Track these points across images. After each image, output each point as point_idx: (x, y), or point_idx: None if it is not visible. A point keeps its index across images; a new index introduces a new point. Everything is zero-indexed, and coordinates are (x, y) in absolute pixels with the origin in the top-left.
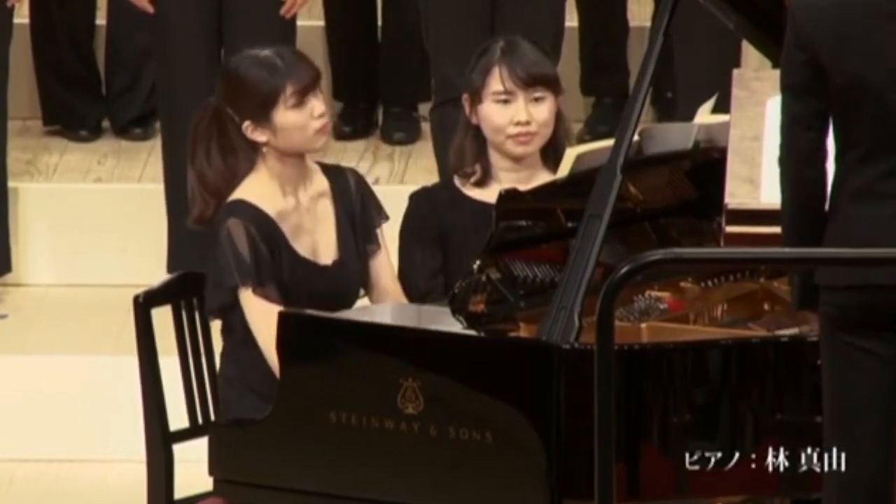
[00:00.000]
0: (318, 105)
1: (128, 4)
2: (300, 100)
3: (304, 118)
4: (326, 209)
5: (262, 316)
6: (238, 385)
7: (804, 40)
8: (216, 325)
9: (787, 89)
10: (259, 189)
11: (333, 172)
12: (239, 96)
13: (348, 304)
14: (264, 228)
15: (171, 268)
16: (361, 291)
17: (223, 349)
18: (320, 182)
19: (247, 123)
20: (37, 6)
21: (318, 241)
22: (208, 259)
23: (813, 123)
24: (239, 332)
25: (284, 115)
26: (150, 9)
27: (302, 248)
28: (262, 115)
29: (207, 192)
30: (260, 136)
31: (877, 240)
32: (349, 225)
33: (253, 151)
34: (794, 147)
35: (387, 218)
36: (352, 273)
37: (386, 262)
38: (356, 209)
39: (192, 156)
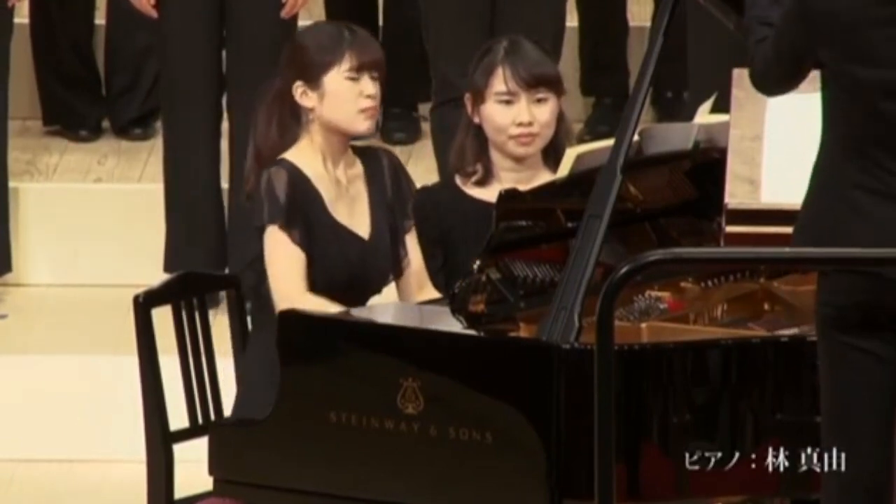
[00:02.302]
0: (370, 86)
1: (127, 4)
2: (356, 74)
3: (353, 92)
4: (360, 191)
5: (280, 251)
6: (261, 382)
7: (809, 24)
8: (216, 325)
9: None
10: (301, 155)
11: (366, 154)
12: (298, 56)
13: (379, 284)
14: (303, 186)
15: (168, 268)
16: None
17: (249, 342)
18: (356, 165)
19: (298, 83)
20: (37, 6)
21: (354, 217)
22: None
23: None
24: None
25: (335, 82)
26: (153, 13)
27: (338, 216)
28: (315, 76)
29: (259, 166)
30: (307, 101)
31: (882, 240)
32: (382, 206)
33: (298, 127)
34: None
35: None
36: (384, 253)
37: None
38: (389, 188)
39: (255, 128)
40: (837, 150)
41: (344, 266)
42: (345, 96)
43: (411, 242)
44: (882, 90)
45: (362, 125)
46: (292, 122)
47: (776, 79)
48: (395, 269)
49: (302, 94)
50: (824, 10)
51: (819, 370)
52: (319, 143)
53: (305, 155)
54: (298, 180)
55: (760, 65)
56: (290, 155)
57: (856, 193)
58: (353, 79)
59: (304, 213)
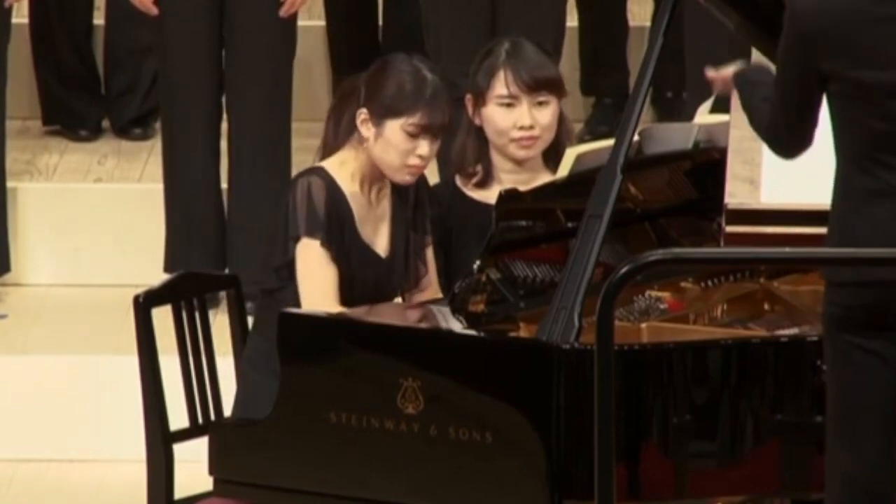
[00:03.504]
0: (426, 147)
1: (127, 3)
2: (417, 132)
3: (407, 146)
4: (386, 209)
5: (318, 268)
6: (261, 382)
7: (806, 39)
8: (216, 325)
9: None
10: (341, 169)
11: None
12: (375, 86)
13: (391, 300)
14: (339, 202)
15: (168, 268)
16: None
17: (250, 345)
18: (386, 183)
19: (364, 110)
20: (36, 6)
21: (377, 235)
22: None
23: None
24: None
25: (395, 131)
26: (153, 10)
27: (364, 235)
28: (381, 115)
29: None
30: (365, 130)
31: (886, 240)
32: (403, 223)
33: (344, 137)
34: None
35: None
36: (400, 271)
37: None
38: (412, 204)
39: (326, 120)
40: (846, 153)
41: (362, 285)
42: (399, 148)
43: (430, 258)
44: (885, 91)
45: (402, 178)
46: (353, 126)
47: (785, 125)
48: (408, 283)
49: (363, 121)
50: (816, 27)
51: (825, 370)
52: (362, 164)
53: (345, 170)
54: (335, 194)
55: (767, 118)
56: (330, 165)
57: (864, 195)
58: (413, 135)
59: (339, 229)
